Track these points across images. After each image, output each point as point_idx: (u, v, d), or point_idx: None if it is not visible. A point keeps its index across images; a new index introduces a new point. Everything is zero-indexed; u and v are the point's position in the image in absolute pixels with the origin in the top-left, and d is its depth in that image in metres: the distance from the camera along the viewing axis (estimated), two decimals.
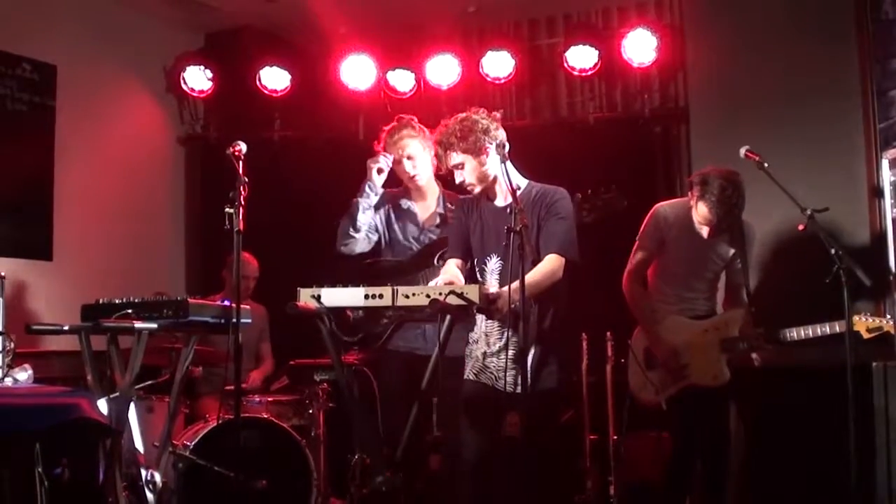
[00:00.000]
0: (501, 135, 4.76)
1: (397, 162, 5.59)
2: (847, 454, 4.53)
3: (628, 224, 5.86)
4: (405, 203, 5.66)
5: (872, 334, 4.84)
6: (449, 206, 5.56)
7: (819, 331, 5.02)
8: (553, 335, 4.74)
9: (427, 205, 5.67)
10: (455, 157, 4.75)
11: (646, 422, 5.93)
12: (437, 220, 5.57)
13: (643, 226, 5.54)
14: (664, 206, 5.55)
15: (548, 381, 4.69)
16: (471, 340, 4.91)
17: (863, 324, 4.88)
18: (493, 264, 4.81)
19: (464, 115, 4.80)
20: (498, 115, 4.87)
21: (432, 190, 5.67)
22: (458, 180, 4.83)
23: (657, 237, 5.46)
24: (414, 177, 5.56)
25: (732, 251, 5.42)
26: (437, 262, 5.35)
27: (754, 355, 5.32)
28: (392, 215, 5.66)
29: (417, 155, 5.52)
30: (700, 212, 5.23)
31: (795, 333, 5.11)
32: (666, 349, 5.39)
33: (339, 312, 4.87)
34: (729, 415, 5.53)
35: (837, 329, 4.89)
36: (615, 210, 5.70)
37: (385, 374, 5.52)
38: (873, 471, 5.17)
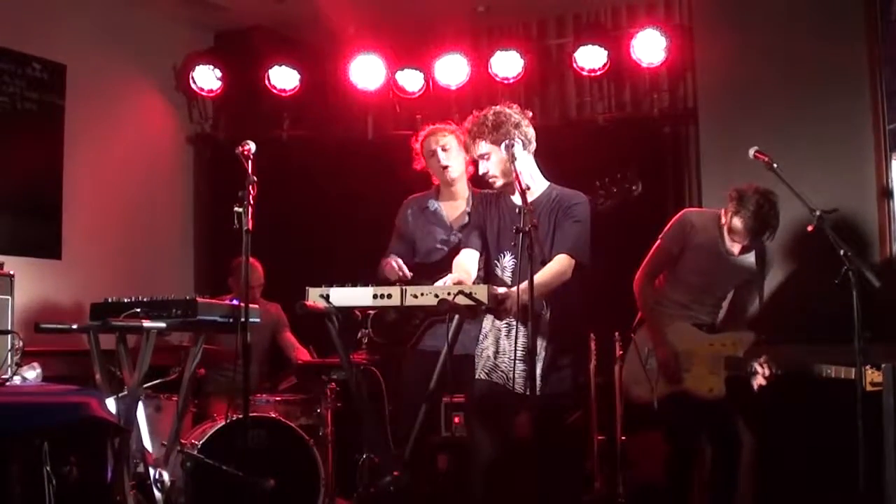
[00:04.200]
0: (531, 132, 4.77)
1: (431, 155, 5.61)
2: (855, 455, 4.51)
3: (636, 224, 5.86)
4: (432, 204, 5.66)
5: (876, 388, 4.80)
6: None
7: (825, 373, 5.00)
8: (565, 336, 4.74)
9: (456, 205, 5.66)
10: (482, 147, 4.74)
11: (654, 423, 5.92)
12: (466, 220, 5.55)
13: (668, 227, 5.53)
14: (693, 213, 5.55)
15: (561, 383, 4.69)
16: (480, 339, 4.91)
17: (870, 375, 4.82)
18: (506, 261, 4.81)
19: (499, 107, 4.81)
20: (530, 113, 4.87)
21: (463, 190, 5.66)
22: (481, 171, 4.82)
23: (680, 242, 5.44)
24: (446, 168, 5.57)
25: (753, 269, 5.42)
26: None
27: (753, 382, 5.28)
28: (418, 219, 5.65)
29: (451, 148, 5.54)
30: (734, 227, 5.22)
31: (816, 370, 5.08)
32: (668, 351, 5.39)
33: (376, 315, 4.89)
34: (735, 420, 5.51)
35: (843, 376, 4.88)
36: (631, 195, 5.67)
37: (413, 373, 5.47)
38: (882, 472, 5.15)
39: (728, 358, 5.29)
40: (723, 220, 5.31)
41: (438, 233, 5.58)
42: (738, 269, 5.42)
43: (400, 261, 5.40)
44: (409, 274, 5.34)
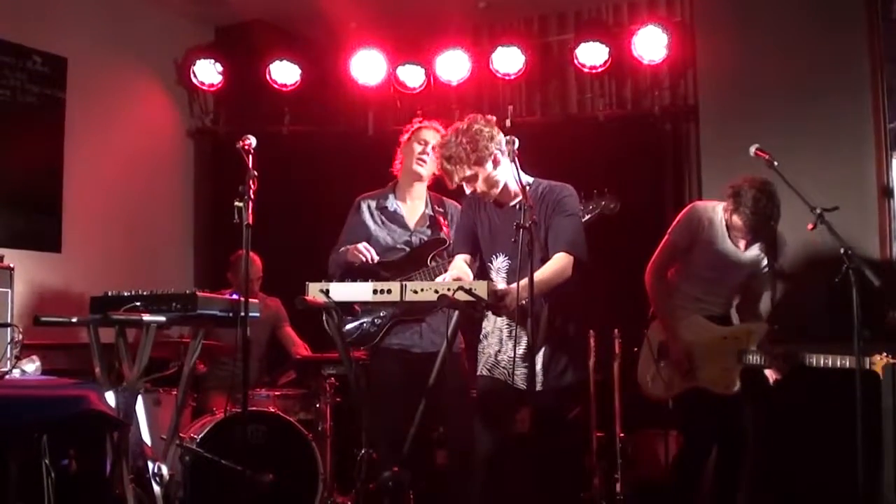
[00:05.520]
0: (501, 136, 4.69)
1: (422, 144, 5.49)
2: (854, 455, 4.51)
3: (637, 221, 5.86)
4: (392, 204, 5.58)
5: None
6: (437, 208, 5.55)
7: (839, 363, 4.98)
8: (566, 334, 4.73)
9: (414, 205, 5.60)
10: (466, 172, 4.65)
11: (653, 420, 5.92)
12: (427, 222, 5.53)
13: (677, 220, 5.48)
14: (701, 208, 5.48)
15: (561, 379, 4.69)
16: (482, 336, 4.91)
17: (880, 363, 4.82)
18: (500, 262, 4.80)
19: (464, 126, 4.68)
20: (492, 117, 4.81)
21: (421, 190, 5.62)
22: (468, 191, 4.78)
23: (689, 236, 5.41)
24: (424, 163, 5.48)
25: (764, 261, 5.40)
26: (430, 262, 5.33)
27: (768, 372, 5.27)
28: (376, 218, 5.60)
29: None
30: (735, 225, 5.20)
31: (814, 360, 5.07)
32: (680, 348, 5.36)
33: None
34: (744, 417, 5.48)
35: (838, 364, 4.85)
36: (608, 213, 5.66)
37: (379, 372, 5.47)
38: (881, 472, 5.16)
39: (741, 351, 5.27)
40: (725, 216, 5.30)
41: (399, 233, 5.52)
42: (747, 262, 5.40)
43: (368, 245, 5.36)
44: (376, 258, 5.32)
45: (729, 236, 5.31)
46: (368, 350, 5.52)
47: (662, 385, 5.43)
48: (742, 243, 5.28)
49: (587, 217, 5.51)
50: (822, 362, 5.04)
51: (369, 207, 5.62)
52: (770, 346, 5.22)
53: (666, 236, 5.51)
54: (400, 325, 5.35)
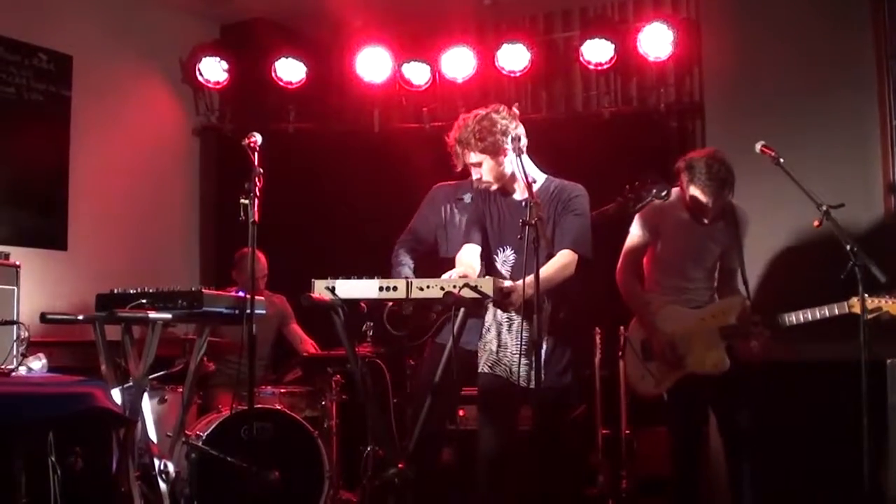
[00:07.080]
0: (520, 131, 4.74)
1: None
2: (860, 452, 4.51)
3: None
4: (468, 197, 5.63)
5: (873, 314, 4.78)
6: None
7: (818, 314, 4.97)
8: (565, 331, 4.74)
9: None
10: (472, 157, 4.73)
11: (658, 416, 5.91)
12: None
13: (635, 218, 5.51)
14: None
15: (561, 377, 4.69)
16: (483, 332, 4.90)
17: (858, 304, 4.81)
18: (506, 256, 4.82)
19: (484, 112, 4.75)
20: (517, 111, 4.84)
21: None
22: (474, 177, 4.82)
23: (650, 227, 5.42)
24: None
25: (728, 236, 5.38)
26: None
27: (753, 343, 5.26)
28: (452, 211, 5.61)
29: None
30: (695, 197, 5.17)
31: (794, 318, 5.04)
32: (662, 340, 5.34)
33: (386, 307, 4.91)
34: (738, 412, 5.45)
35: (836, 312, 4.86)
36: (660, 198, 5.66)
37: (431, 365, 5.44)
38: (886, 469, 5.15)
39: (722, 328, 5.25)
40: (683, 195, 5.29)
41: None
42: (712, 237, 5.38)
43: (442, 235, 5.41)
44: None
45: (692, 216, 5.29)
46: (422, 345, 5.51)
47: (653, 382, 5.42)
48: (706, 219, 5.26)
49: (640, 205, 5.52)
50: (801, 318, 5.02)
51: (444, 199, 5.63)
52: (748, 315, 5.21)
53: (629, 234, 5.51)
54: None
